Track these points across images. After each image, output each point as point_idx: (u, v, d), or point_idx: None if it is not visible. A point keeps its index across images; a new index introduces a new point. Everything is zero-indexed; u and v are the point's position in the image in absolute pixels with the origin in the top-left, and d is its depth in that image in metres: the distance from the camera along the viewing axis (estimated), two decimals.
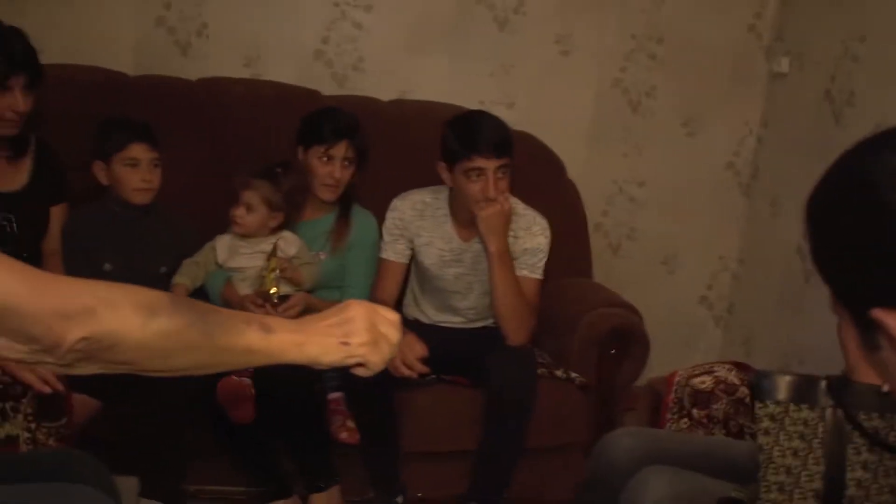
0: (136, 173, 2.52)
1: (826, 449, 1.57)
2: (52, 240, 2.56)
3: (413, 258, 2.76)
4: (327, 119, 2.73)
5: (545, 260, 2.70)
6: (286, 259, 2.61)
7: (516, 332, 2.57)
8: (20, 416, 2.05)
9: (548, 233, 2.71)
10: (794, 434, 1.59)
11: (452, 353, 2.63)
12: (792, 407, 1.60)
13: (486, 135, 2.50)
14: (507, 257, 2.55)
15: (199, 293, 2.59)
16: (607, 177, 3.56)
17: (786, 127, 3.48)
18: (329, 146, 2.66)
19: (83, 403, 2.28)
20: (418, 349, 2.46)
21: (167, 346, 1.03)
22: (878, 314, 0.96)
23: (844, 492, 1.55)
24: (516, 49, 3.37)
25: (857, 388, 1.59)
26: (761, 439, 1.61)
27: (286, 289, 2.60)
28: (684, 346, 3.63)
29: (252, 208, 2.59)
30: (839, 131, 3.13)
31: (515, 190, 2.66)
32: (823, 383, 1.60)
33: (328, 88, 3.22)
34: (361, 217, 2.81)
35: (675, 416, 2.11)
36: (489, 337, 2.67)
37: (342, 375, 2.51)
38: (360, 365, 1.19)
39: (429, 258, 2.72)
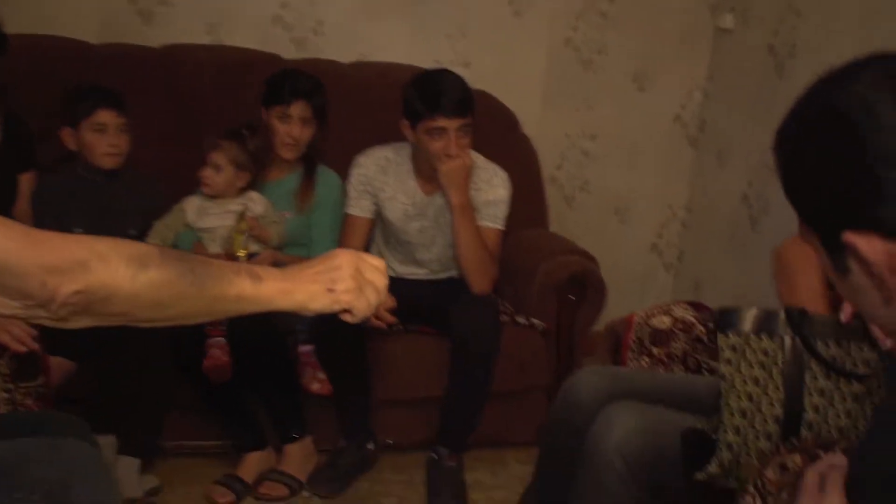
0: (105, 138, 2.47)
1: (785, 377, 1.57)
2: (22, 206, 2.50)
3: (377, 213, 2.71)
4: (286, 80, 2.68)
5: (506, 211, 2.67)
6: (254, 219, 2.56)
7: (480, 282, 2.55)
8: None
9: (508, 185, 2.68)
10: (755, 363, 1.58)
11: (418, 304, 2.60)
12: (753, 338, 1.60)
13: (449, 95, 2.46)
14: (469, 209, 2.52)
15: None
16: (560, 132, 3.52)
17: (731, 81, 3.46)
18: (287, 106, 2.61)
19: (58, 365, 2.23)
20: (387, 301, 2.42)
21: (159, 297, 1.01)
22: (850, 237, 0.95)
23: (802, 416, 1.56)
24: (471, 10, 3.31)
25: (814, 318, 1.59)
26: (724, 368, 1.60)
27: (254, 247, 2.55)
28: (636, 292, 3.63)
29: (220, 169, 2.53)
30: (782, 84, 3.12)
31: (473, 146, 2.61)
32: (783, 315, 1.60)
33: (289, 53, 3.15)
34: (325, 176, 2.76)
35: (636, 355, 2.09)
36: (453, 287, 2.65)
37: (312, 328, 2.48)
38: (346, 311, 1.18)
39: (393, 212, 2.68)
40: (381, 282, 1.20)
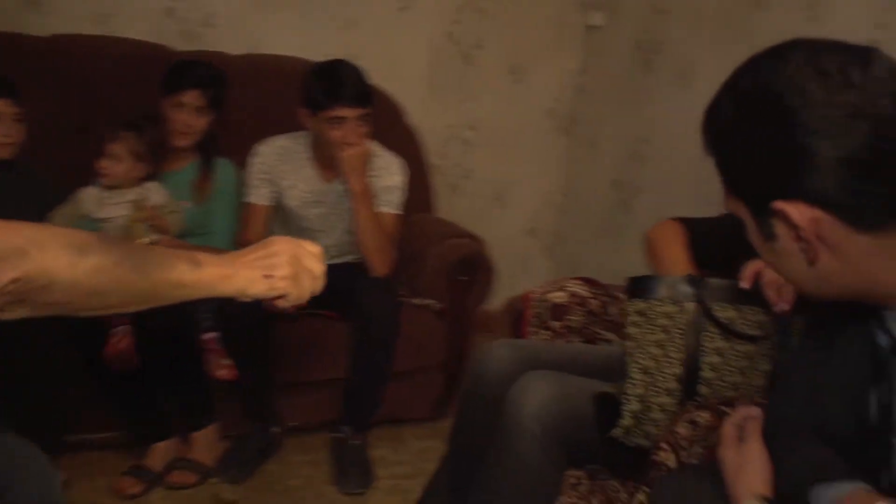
0: None
1: (685, 338, 1.61)
2: None
3: (277, 201, 2.64)
4: (180, 69, 2.59)
5: (402, 197, 2.65)
6: (153, 208, 2.45)
7: (380, 265, 2.53)
8: None
9: (404, 172, 2.67)
10: (658, 327, 1.63)
11: None
12: (656, 303, 1.64)
13: (349, 86, 2.43)
14: (368, 195, 2.49)
15: None
16: (443, 122, 3.53)
17: (601, 74, 3.55)
18: (180, 94, 2.52)
19: None
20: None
21: (99, 284, 0.96)
22: (781, 205, 0.98)
23: (700, 374, 1.61)
24: (359, 5, 3.27)
25: (712, 284, 1.65)
26: (631, 330, 1.65)
27: (154, 236, 2.45)
28: (517, 273, 3.68)
29: (119, 159, 2.42)
30: (649, 78, 3.23)
31: None
32: (684, 281, 1.65)
33: (180, 45, 3.02)
34: (222, 166, 2.68)
35: (536, 329, 2.11)
36: (352, 271, 2.61)
37: (216, 315, 2.40)
38: (281, 297, 1.16)
39: (293, 200, 2.62)
40: (318, 268, 1.20)
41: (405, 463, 2.60)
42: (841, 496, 1.07)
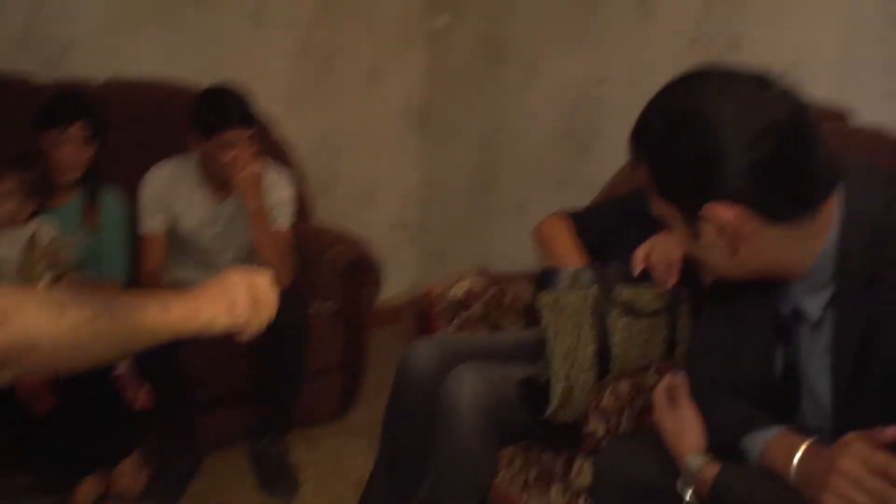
0: None
1: (594, 321, 1.77)
2: None
3: (171, 226, 2.60)
4: (59, 102, 2.48)
5: (294, 208, 2.68)
6: (48, 245, 2.36)
7: (283, 276, 2.54)
8: None
9: (292, 184, 2.69)
10: (569, 314, 1.77)
11: None
12: (564, 293, 1.78)
13: (236, 109, 2.43)
14: (265, 212, 2.51)
15: None
16: (307, 129, 3.54)
17: (449, 72, 3.67)
18: (63, 128, 2.42)
19: None
20: None
21: (80, 339, 0.94)
22: (710, 207, 1.14)
23: (611, 351, 1.77)
24: (216, 23, 3.22)
25: (609, 270, 1.81)
26: (546, 320, 1.77)
27: (52, 274, 2.36)
28: (388, 265, 3.71)
29: (6, 198, 2.30)
30: (496, 72, 3.38)
31: None
32: (586, 270, 1.80)
33: (39, 74, 2.88)
34: (108, 195, 2.59)
35: (445, 323, 2.22)
36: None
37: None
38: (242, 329, 1.16)
39: (187, 223, 2.59)
40: (272, 297, 1.20)
41: (322, 462, 2.64)
42: (769, 441, 1.25)
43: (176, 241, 2.64)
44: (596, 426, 1.64)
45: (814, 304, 1.23)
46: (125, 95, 2.95)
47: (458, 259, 3.71)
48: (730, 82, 1.14)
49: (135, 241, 2.61)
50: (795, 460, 1.18)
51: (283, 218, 2.62)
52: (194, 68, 3.15)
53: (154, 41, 3.11)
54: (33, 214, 2.39)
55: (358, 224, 3.51)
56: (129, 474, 2.37)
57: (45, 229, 2.39)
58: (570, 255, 2.00)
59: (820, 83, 2.13)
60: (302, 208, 3.22)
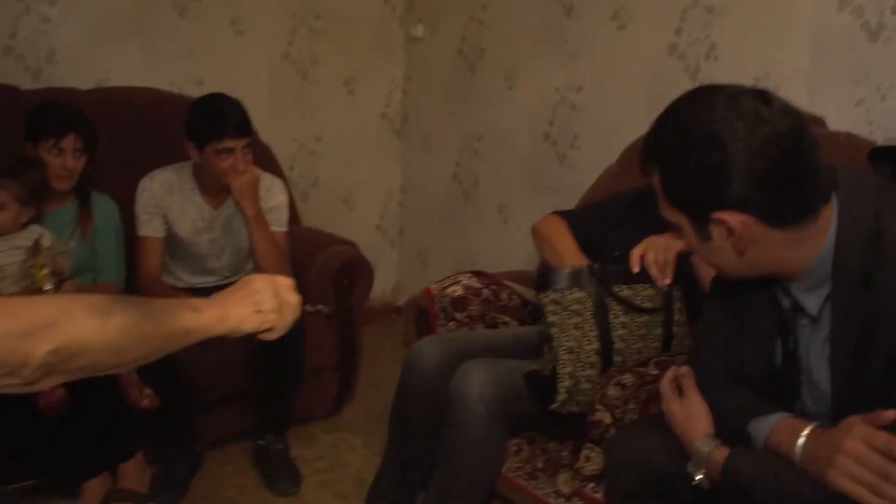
0: None
1: (596, 318, 1.86)
2: None
3: (166, 231, 2.64)
4: (54, 113, 2.50)
5: (287, 214, 2.73)
6: (47, 251, 2.38)
7: None
8: None
9: (285, 191, 2.75)
10: (573, 312, 1.86)
11: None
12: (566, 292, 1.87)
13: (232, 118, 2.47)
14: (262, 218, 2.56)
15: None
16: (288, 137, 3.60)
17: (426, 80, 3.75)
18: (59, 139, 2.44)
19: None
20: None
21: (124, 343, 0.97)
22: (720, 214, 1.24)
23: (613, 346, 1.87)
24: (197, 32, 3.26)
25: (609, 269, 1.91)
26: (551, 318, 1.86)
27: (53, 281, 2.38)
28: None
29: (4, 207, 2.32)
30: (474, 80, 3.47)
31: None
32: (587, 270, 1.90)
33: (25, 83, 2.89)
34: (100, 202, 2.62)
35: (444, 322, 2.29)
36: None
37: None
38: (268, 330, 1.20)
39: (183, 228, 2.63)
40: (295, 300, 1.23)
41: (322, 457, 2.70)
42: (774, 425, 1.35)
43: (172, 245, 2.67)
44: (602, 416, 1.73)
45: (812, 299, 1.33)
46: (110, 103, 2.97)
47: (438, 261, 3.79)
48: (736, 99, 1.24)
49: (128, 246, 2.65)
50: (800, 442, 1.29)
51: (278, 223, 2.67)
52: (176, 76, 3.20)
53: (136, 50, 3.14)
54: (30, 221, 2.41)
55: (338, 228, 3.57)
56: (134, 473, 2.40)
57: (45, 237, 2.42)
58: (571, 254, 2.09)
59: (791, 93, 2.23)
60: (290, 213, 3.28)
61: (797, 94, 2.31)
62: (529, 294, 2.39)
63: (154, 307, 1.04)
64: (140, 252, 2.61)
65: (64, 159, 2.46)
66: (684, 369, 1.52)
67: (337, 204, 3.81)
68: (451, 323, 2.30)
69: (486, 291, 2.37)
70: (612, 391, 1.74)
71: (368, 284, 2.97)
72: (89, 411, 2.30)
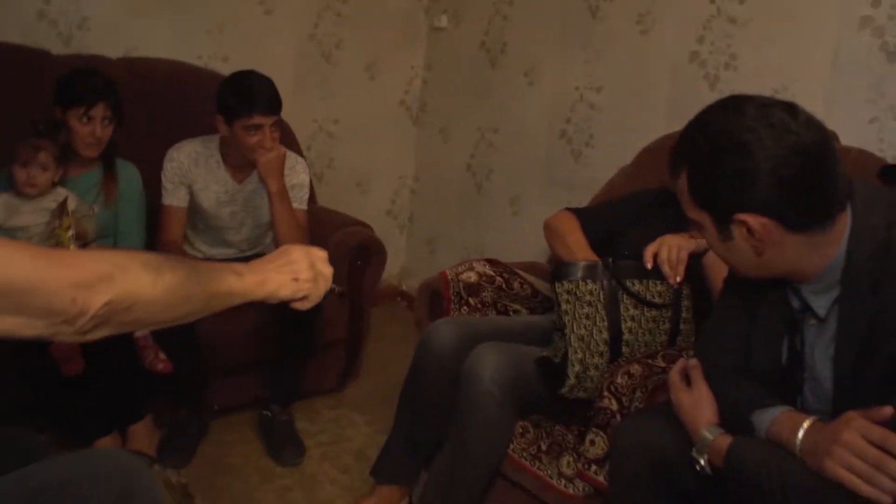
0: None
1: (607, 310, 1.94)
2: None
3: (189, 202, 2.71)
4: (85, 81, 2.54)
5: (308, 193, 2.80)
6: (73, 214, 2.45)
7: None
8: None
9: (307, 170, 2.82)
10: (585, 303, 1.94)
11: None
12: (581, 283, 1.95)
13: (263, 95, 2.52)
14: (286, 194, 2.62)
15: None
16: (308, 117, 3.67)
17: (447, 70, 3.82)
18: (88, 107, 2.49)
19: None
20: None
21: (172, 299, 1.01)
22: (743, 216, 1.32)
23: (622, 337, 1.96)
24: (226, 8, 3.33)
25: (622, 264, 1.99)
26: (564, 307, 1.94)
27: (78, 243, 2.45)
28: None
29: (44, 168, 2.39)
30: (495, 74, 3.54)
31: None
32: (601, 264, 1.98)
33: (57, 48, 2.96)
34: (125, 169, 2.69)
35: (457, 306, 2.36)
36: None
37: None
38: (304, 298, 1.26)
39: (206, 201, 2.69)
40: (329, 271, 1.29)
41: (325, 431, 2.78)
42: (775, 417, 1.43)
43: (193, 216, 2.74)
44: (610, 402, 1.81)
45: (821, 301, 1.42)
46: (137, 73, 3.04)
47: (447, 249, 3.87)
48: (765, 110, 1.32)
49: (150, 213, 2.72)
50: (801, 433, 1.37)
51: (300, 201, 2.74)
52: (203, 51, 3.27)
53: (166, 23, 3.21)
54: (55, 184, 2.48)
55: (350, 210, 3.64)
56: (143, 435, 2.49)
57: (72, 198, 2.49)
58: (581, 250, 2.17)
59: (807, 106, 2.31)
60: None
61: (813, 108, 2.32)
62: (540, 284, 2.47)
63: (200, 268, 1.09)
64: (163, 220, 2.67)
65: (93, 128, 2.52)
66: (693, 361, 1.60)
67: (350, 186, 3.89)
68: (464, 308, 2.37)
69: (498, 279, 2.44)
70: (620, 380, 1.82)
71: (381, 266, 3.04)
72: (105, 372, 2.38)
